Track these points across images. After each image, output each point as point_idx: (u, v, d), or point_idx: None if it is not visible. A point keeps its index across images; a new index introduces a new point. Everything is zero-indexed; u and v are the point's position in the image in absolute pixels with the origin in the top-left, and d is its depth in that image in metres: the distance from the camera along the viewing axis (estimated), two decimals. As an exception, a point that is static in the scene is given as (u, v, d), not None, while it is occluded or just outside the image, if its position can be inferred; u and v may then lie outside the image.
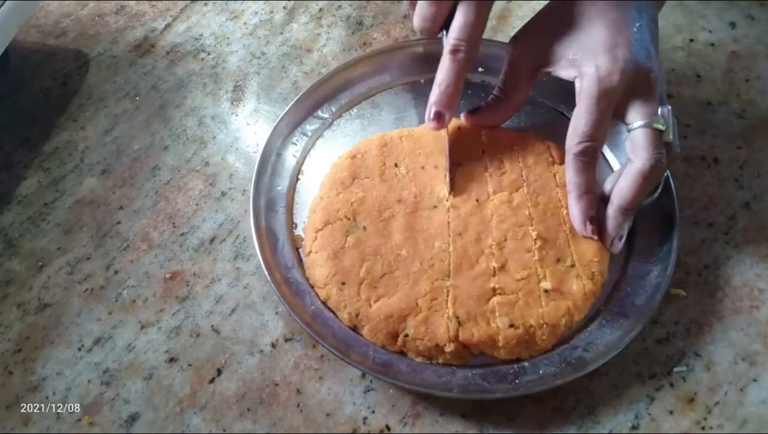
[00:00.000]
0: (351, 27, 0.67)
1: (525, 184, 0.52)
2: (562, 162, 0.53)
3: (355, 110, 0.60)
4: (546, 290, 0.47)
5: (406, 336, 0.46)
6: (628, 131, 0.48)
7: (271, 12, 0.69)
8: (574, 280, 0.47)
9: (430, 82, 0.53)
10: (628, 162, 0.48)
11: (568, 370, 0.45)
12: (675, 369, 0.47)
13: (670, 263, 0.48)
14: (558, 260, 0.48)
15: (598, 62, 0.47)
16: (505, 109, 0.54)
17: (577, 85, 0.48)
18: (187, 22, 0.69)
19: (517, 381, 0.45)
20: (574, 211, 0.49)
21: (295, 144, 0.57)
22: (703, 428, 0.44)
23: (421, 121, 0.57)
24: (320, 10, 0.69)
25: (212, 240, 0.54)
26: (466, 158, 0.53)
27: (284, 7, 0.70)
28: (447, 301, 0.47)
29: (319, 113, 0.59)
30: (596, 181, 0.49)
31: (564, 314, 0.46)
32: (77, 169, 0.58)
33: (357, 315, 0.47)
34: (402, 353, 0.47)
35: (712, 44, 0.64)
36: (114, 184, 0.57)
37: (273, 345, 0.48)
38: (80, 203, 0.56)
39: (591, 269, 0.48)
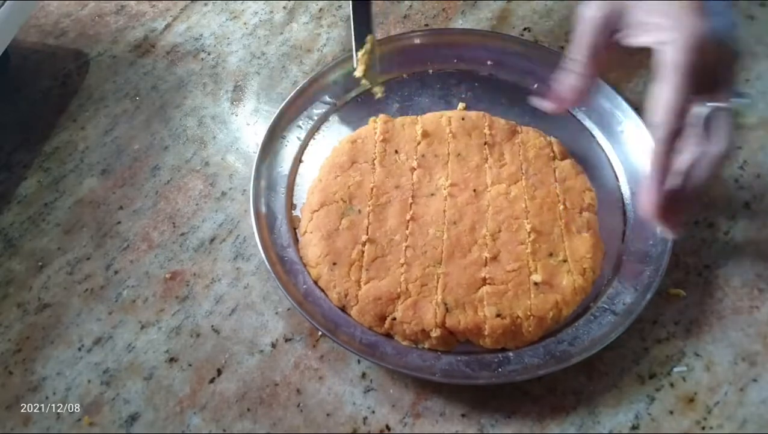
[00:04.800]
0: (351, 27, 0.67)
1: (524, 177, 0.52)
2: (563, 158, 0.54)
3: (361, 97, 0.60)
4: (536, 283, 0.47)
5: (394, 319, 0.47)
6: (708, 109, 0.43)
7: (271, 12, 0.69)
8: (565, 275, 0.48)
9: (436, 72, 0.57)
10: (701, 144, 0.43)
11: (551, 362, 0.45)
12: (675, 369, 0.47)
13: (663, 264, 0.48)
14: (550, 254, 0.48)
15: (681, 29, 0.42)
16: (583, 83, 0.47)
17: (658, 54, 0.43)
18: (187, 22, 0.69)
19: (500, 369, 0.45)
20: (650, 197, 0.44)
21: (300, 127, 0.58)
22: (703, 428, 0.44)
23: (427, 110, 0.58)
24: (320, 10, 0.69)
25: (212, 240, 0.54)
26: (467, 148, 0.54)
27: (284, 7, 0.70)
28: (437, 287, 0.47)
29: (326, 97, 0.59)
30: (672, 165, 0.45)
31: (552, 307, 0.47)
32: (77, 169, 0.58)
33: (346, 295, 0.48)
34: (389, 335, 0.47)
35: (712, 44, 0.64)
36: (114, 184, 0.57)
37: (273, 345, 0.48)
38: (80, 203, 0.56)
39: (583, 265, 0.48)
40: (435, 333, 0.46)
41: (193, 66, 0.65)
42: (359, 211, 0.51)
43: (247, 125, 0.61)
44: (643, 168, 0.52)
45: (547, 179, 0.52)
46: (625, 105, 0.56)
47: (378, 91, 0.56)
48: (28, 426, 0.46)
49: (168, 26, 0.69)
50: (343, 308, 0.48)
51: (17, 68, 0.65)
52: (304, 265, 0.50)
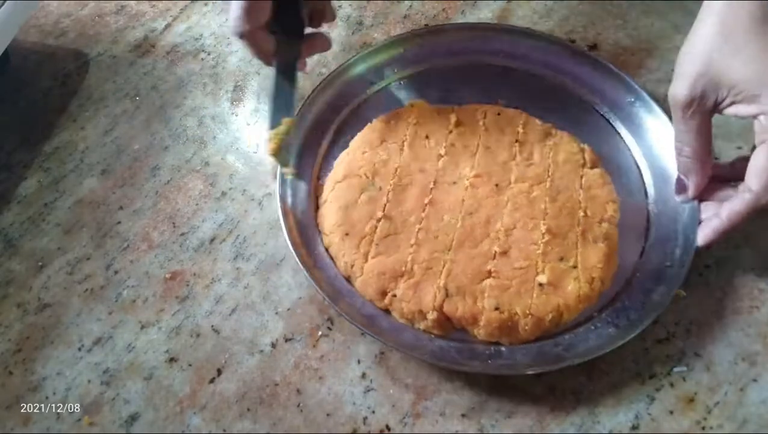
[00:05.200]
0: (351, 27, 0.67)
1: (549, 179, 0.52)
2: (593, 166, 0.54)
3: (404, 81, 0.60)
4: (540, 284, 0.47)
5: (394, 295, 0.47)
6: None
7: (271, 12, 0.69)
8: (572, 280, 0.47)
9: (482, 67, 0.59)
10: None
11: (541, 363, 0.45)
12: (675, 369, 0.47)
13: (676, 286, 0.47)
14: (561, 259, 0.48)
15: None
16: (703, 173, 0.48)
17: (762, 123, 0.43)
18: (187, 22, 0.69)
19: (490, 361, 0.45)
20: (714, 239, 0.47)
21: (341, 101, 0.58)
22: (703, 428, 0.44)
23: (466, 103, 0.58)
24: (320, 10, 0.69)
25: (212, 240, 0.54)
26: (497, 143, 0.54)
27: (284, 7, 0.70)
28: (441, 272, 0.48)
29: (370, 77, 0.60)
30: None
31: (552, 310, 0.46)
32: (77, 169, 0.58)
33: (352, 266, 0.49)
34: (387, 311, 0.48)
35: (712, 44, 0.64)
36: (114, 184, 0.57)
37: (273, 345, 0.48)
38: (80, 203, 0.56)
39: (592, 274, 0.48)
40: (431, 316, 0.46)
41: (193, 66, 0.65)
42: (380, 188, 0.52)
43: (247, 125, 0.61)
44: (673, 191, 0.51)
45: (572, 184, 0.52)
46: (667, 122, 0.54)
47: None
48: (28, 426, 0.46)
49: (168, 26, 0.69)
50: (348, 279, 0.49)
51: (17, 68, 0.65)
52: (319, 232, 0.51)
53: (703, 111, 0.46)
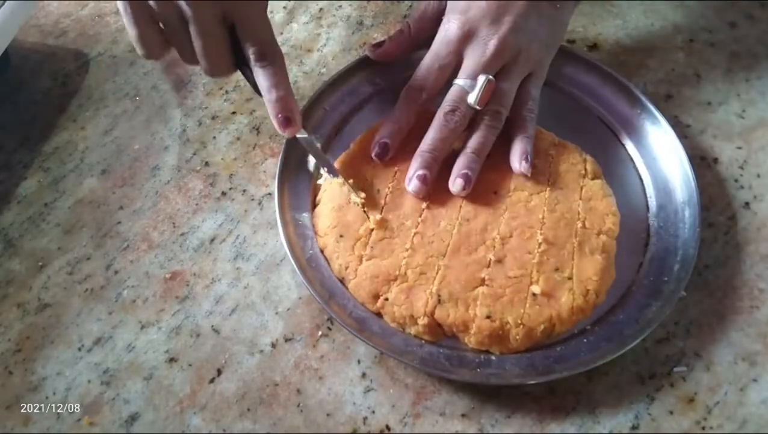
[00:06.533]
0: (351, 27, 0.67)
1: (548, 189, 0.52)
2: (594, 177, 0.53)
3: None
4: (534, 294, 0.47)
5: (386, 299, 0.47)
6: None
7: (271, 12, 0.69)
8: (566, 292, 0.47)
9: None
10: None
11: (531, 374, 0.45)
12: (675, 369, 0.47)
13: (672, 303, 0.47)
14: (556, 269, 0.48)
15: (454, 16, 0.54)
16: (407, 43, 0.58)
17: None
18: (187, 22, 0.69)
19: (479, 370, 0.45)
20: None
21: (344, 102, 0.58)
22: (703, 428, 0.44)
23: None
24: (320, 10, 0.69)
25: (212, 240, 0.54)
26: (499, 151, 0.53)
27: (284, 7, 0.70)
28: (435, 278, 0.48)
29: (376, 78, 0.60)
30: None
31: (545, 321, 0.46)
32: (77, 169, 0.58)
33: (346, 268, 0.49)
34: (379, 315, 0.48)
35: (712, 44, 0.64)
36: (114, 184, 0.57)
37: (273, 345, 0.48)
38: (80, 203, 0.56)
39: (587, 287, 0.47)
40: (422, 321, 0.46)
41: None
42: (378, 190, 0.52)
43: (247, 125, 0.61)
44: (675, 205, 0.52)
45: (571, 195, 0.51)
46: (673, 135, 0.54)
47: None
48: (28, 426, 0.46)
49: (168, 26, 0.69)
50: (341, 280, 0.49)
51: (17, 68, 0.65)
52: (315, 232, 0.51)
53: (440, 8, 0.57)
